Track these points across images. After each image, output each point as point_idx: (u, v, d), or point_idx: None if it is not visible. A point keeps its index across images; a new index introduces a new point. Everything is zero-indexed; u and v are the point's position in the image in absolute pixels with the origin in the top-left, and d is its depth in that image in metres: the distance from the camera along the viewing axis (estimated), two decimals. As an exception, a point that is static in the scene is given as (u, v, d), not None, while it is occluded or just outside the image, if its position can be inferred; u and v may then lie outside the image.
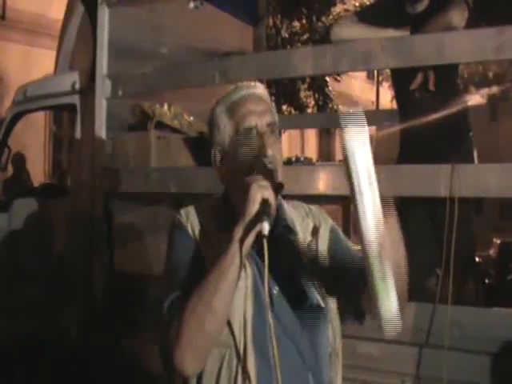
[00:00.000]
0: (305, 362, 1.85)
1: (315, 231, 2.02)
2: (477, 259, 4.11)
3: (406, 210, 3.91)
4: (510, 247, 3.67)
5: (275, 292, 1.84)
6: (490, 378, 2.91)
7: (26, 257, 5.31)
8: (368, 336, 3.16)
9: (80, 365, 4.59)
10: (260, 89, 2.00)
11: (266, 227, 1.66)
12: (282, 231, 1.95)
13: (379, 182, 3.24)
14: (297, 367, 1.83)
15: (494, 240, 4.23)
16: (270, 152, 1.84)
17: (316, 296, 1.91)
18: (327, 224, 2.08)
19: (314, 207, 2.13)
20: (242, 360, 1.79)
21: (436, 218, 3.51)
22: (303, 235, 2.00)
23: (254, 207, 1.68)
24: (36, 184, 6.94)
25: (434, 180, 3.14)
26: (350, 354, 3.21)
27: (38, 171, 12.10)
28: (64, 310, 4.92)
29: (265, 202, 1.68)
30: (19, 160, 8.51)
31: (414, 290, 3.72)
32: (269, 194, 1.70)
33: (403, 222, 4.01)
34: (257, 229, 1.68)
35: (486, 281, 4.03)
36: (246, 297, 1.80)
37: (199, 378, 1.83)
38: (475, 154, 3.87)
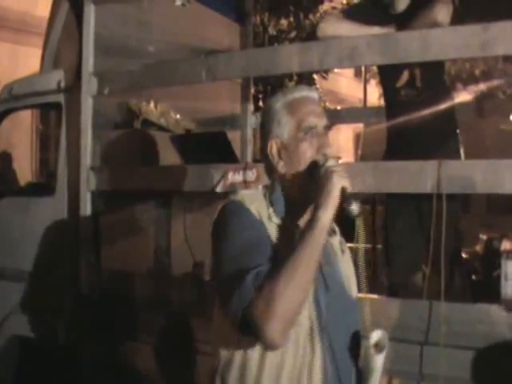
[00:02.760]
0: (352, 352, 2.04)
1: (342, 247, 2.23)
2: (463, 255, 4.12)
3: (392, 206, 3.95)
4: (497, 243, 3.67)
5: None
6: (477, 374, 2.91)
7: (12, 256, 5.28)
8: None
9: (68, 365, 4.58)
10: (317, 93, 2.18)
11: (354, 209, 1.88)
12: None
13: (366, 177, 3.25)
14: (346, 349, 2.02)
15: (481, 236, 4.24)
16: (328, 151, 2.03)
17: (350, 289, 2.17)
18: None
19: None
20: (309, 340, 1.92)
21: (423, 213, 3.52)
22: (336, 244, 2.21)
23: (337, 193, 1.87)
24: (23, 183, 6.90)
25: (420, 176, 3.14)
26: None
27: (25, 170, 12.04)
28: (51, 310, 4.89)
29: (344, 190, 1.88)
30: (6, 159, 8.48)
31: (401, 286, 3.77)
32: (347, 182, 1.90)
33: (390, 218, 4.05)
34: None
35: (473, 277, 4.04)
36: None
37: (262, 357, 1.92)
38: (462, 151, 3.89)
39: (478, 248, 4.25)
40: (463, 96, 5.43)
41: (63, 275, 4.82)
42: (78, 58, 4.73)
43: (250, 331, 1.78)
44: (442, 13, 3.57)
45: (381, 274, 4.49)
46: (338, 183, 1.88)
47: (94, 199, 4.43)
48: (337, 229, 2.17)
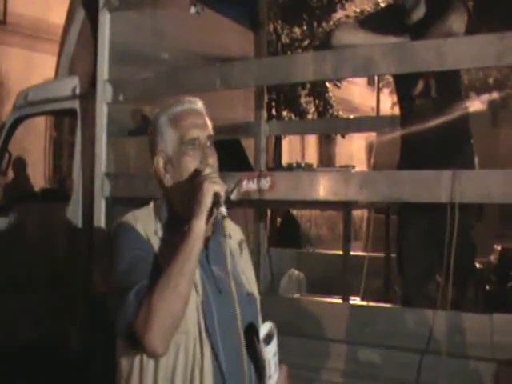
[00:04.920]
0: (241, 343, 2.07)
1: (241, 247, 2.31)
2: (477, 265, 4.10)
3: (406, 215, 3.93)
4: (510, 253, 3.66)
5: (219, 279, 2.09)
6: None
7: (26, 262, 5.30)
8: (369, 342, 3.17)
9: (81, 371, 4.58)
10: (200, 104, 2.23)
11: (223, 211, 1.99)
12: (220, 238, 2.16)
13: (380, 187, 3.25)
14: (237, 348, 2.06)
15: (495, 246, 4.23)
16: (210, 161, 2.11)
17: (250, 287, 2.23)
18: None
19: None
20: (199, 345, 1.98)
21: (437, 223, 3.51)
22: (234, 245, 2.27)
23: (208, 200, 1.97)
24: (36, 189, 6.94)
25: (434, 186, 3.13)
26: (350, 360, 3.23)
27: (39, 176, 12.09)
28: (65, 316, 4.90)
29: (217, 195, 1.98)
30: (19, 165, 8.50)
31: (414, 297, 3.75)
32: (219, 187, 1.99)
33: (404, 228, 4.03)
34: (211, 218, 2.01)
35: (487, 287, 4.02)
36: (195, 283, 2.00)
37: (156, 365, 1.98)
38: (476, 161, 3.87)
39: (492, 258, 4.23)
40: (478, 105, 5.41)
41: (77, 282, 4.83)
42: (93, 65, 4.74)
43: (136, 343, 1.89)
44: (457, 22, 3.57)
45: (394, 284, 4.48)
46: (209, 189, 1.96)
47: (109, 206, 4.44)
48: (233, 232, 2.21)
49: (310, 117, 14.95)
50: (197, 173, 2.07)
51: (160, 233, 2.08)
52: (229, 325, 2.03)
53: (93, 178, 4.49)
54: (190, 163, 2.09)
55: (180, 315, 1.91)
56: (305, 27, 14.98)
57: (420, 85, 3.86)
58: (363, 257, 4.51)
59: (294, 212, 12.11)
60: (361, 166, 18.27)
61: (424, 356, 3.03)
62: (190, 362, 1.97)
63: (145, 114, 4.74)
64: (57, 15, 7.67)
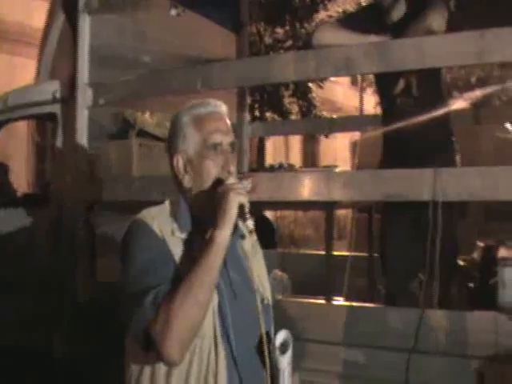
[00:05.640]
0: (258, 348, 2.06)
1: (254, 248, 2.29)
2: (461, 263, 4.11)
3: (389, 214, 3.94)
4: (494, 250, 3.66)
5: (236, 284, 2.08)
6: (476, 382, 2.90)
7: (9, 268, 5.26)
8: (353, 342, 3.16)
9: (67, 377, 4.55)
10: (224, 108, 2.19)
11: (250, 224, 1.98)
12: (236, 240, 2.13)
13: (362, 186, 3.25)
14: (252, 355, 2.06)
15: (478, 243, 4.23)
16: (232, 168, 2.09)
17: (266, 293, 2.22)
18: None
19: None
20: (214, 349, 1.96)
21: (420, 221, 3.51)
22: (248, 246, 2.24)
23: (234, 211, 1.94)
24: (19, 194, 6.88)
25: (416, 184, 3.14)
26: (335, 360, 3.22)
27: (22, 181, 12.02)
28: (49, 321, 4.87)
29: (242, 206, 1.96)
30: (2, 170, 8.43)
31: (398, 295, 3.76)
32: (244, 198, 1.97)
33: (387, 227, 4.04)
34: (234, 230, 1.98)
35: (470, 284, 4.03)
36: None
37: (169, 369, 1.96)
38: (458, 158, 3.88)
39: (475, 256, 4.23)
40: (459, 104, 5.42)
41: (59, 286, 4.80)
42: (73, 68, 4.71)
43: (152, 348, 1.86)
44: (437, 20, 3.58)
45: (378, 283, 4.48)
46: (235, 200, 1.94)
47: (90, 210, 4.41)
48: (248, 232, 2.16)
49: (293, 117, 14.97)
50: (219, 181, 2.04)
51: (177, 233, 2.04)
52: (243, 331, 2.03)
53: (74, 182, 4.47)
54: (212, 168, 2.07)
55: (199, 324, 1.89)
56: (287, 28, 15.00)
57: (401, 84, 3.86)
58: (347, 256, 4.52)
59: (271, 213, 12.04)
60: (345, 165, 18.32)
61: (411, 355, 3.02)
62: (204, 366, 1.96)
63: (126, 117, 4.71)
64: (39, 20, 7.60)
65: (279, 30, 15.04)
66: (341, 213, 8.80)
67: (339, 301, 4.20)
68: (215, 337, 1.96)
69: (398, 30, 3.72)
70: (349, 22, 4.03)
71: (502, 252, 3.52)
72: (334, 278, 4.10)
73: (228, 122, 2.17)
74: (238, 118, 5.89)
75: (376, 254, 4.63)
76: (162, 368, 1.96)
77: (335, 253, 4.41)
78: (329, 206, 4.08)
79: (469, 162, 3.64)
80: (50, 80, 5.34)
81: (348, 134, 17.59)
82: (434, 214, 3.10)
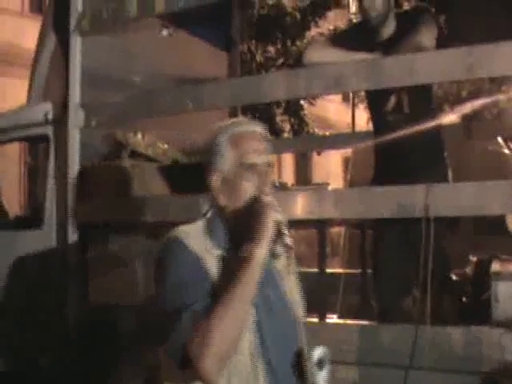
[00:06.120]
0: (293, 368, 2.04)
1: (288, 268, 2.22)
2: (453, 277, 4.11)
3: (381, 230, 3.94)
4: (487, 265, 3.67)
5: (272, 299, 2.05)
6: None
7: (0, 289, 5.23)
8: (346, 360, 3.15)
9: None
10: (261, 128, 2.15)
11: (289, 242, 1.96)
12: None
13: (354, 204, 3.25)
14: (289, 371, 2.03)
15: (471, 258, 4.24)
16: (267, 189, 2.05)
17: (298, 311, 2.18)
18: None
19: None
20: (253, 367, 1.94)
21: (412, 237, 3.52)
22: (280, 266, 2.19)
23: (270, 229, 1.93)
24: (11, 216, 6.86)
25: (408, 200, 3.15)
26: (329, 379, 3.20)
27: (13, 203, 11.99)
28: (39, 345, 4.84)
29: (279, 224, 1.94)
30: (-6, 191, 8.42)
31: (391, 311, 3.75)
32: (281, 216, 1.96)
33: (379, 243, 4.04)
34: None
35: (464, 299, 4.03)
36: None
37: None
38: (450, 174, 3.89)
39: (468, 270, 4.23)
40: (451, 118, 5.45)
41: (50, 308, 4.78)
42: (65, 89, 4.72)
43: (188, 367, 1.83)
44: (427, 37, 3.60)
45: (371, 299, 4.47)
46: (271, 218, 1.93)
47: (82, 232, 4.40)
48: (285, 249, 2.10)
49: (285, 135, 14.98)
50: (255, 200, 2.01)
51: (213, 250, 2.01)
52: (280, 347, 2.00)
53: (66, 204, 4.46)
54: (247, 188, 2.04)
55: (237, 341, 1.88)
56: (279, 46, 15.05)
57: (392, 100, 3.87)
58: (340, 273, 4.51)
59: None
60: (338, 181, 18.32)
61: (401, 372, 3.02)
62: (243, 383, 1.93)
63: (117, 138, 4.71)
64: (29, 40, 7.64)
65: (271, 48, 15.09)
66: (334, 230, 8.78)
67: (332, 318, 4.18)
68: (252, 354, 1.94)
69: (389, 46, 3.73)
70: (339, 39, 4.05)
71: (495, 266, 3.52)
72: (327, 296, 4.08)
73: (265, 142, 2.14)
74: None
75: (369, 271, 4.63)
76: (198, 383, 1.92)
77: (328, 270, 4.40)
78: (321, 224, 4.08)
79: (461, 177, 3.65)
80: (42, 101, 5.34)
81: (340, 150, 17.63)
82: (426, 230, 3.10)
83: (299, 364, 2.03)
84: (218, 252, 2.02)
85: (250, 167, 2.05)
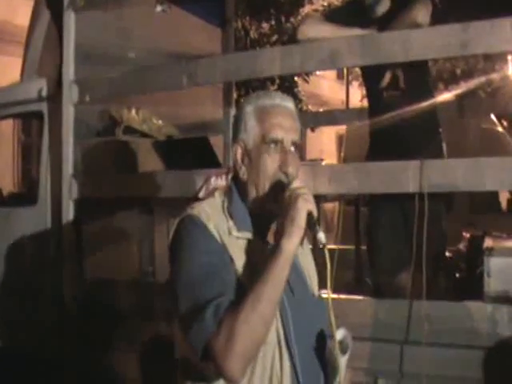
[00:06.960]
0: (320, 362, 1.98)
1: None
2: (447, 253, 4.14)
3: (376, 206, 3.95)
4: (480, 241, 3.70)
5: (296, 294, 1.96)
6: (463, 371, 2.93)
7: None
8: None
9: (55, 377, 4.54)
10: (291, 104, 2.04)
11: (322, 237, 1.79)
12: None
13: (348, 179, 3.25)
14: (312, 356, 1.96)
15: (464, 234, 4.27)
16: (290, 170, 1.93)
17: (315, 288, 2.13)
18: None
19: None
20: (278, 356, 1.85)
21: (406, 213, 3.54)
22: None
23: (303, 220, 1.78)
24: (5, 193, 6.85)
25: (403, 176, 3.16)
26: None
27: (7, 180, 11.97)
28: (35, 321, 4.86)
29: (310, 215, 1.80)
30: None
31: (386, 287, 3.77)
32: (313, 206, 1.81)
33: (374, 219, 4.06)
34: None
35: (457, 275, 4.06)
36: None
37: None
38: (445, 150, 3.90)
39: (462, 246, 4.27)
40: (445, 96, 5.45)
41: (47, 285, 4.79)
42: (59, 66, 4.70)
43: (211, 361, 1.73)
44: (422, 13, 3.59)
45: (365, 275, 4.50)
46: (304, 208, 1.79)
47: (77, 208, 4.40)
48: (319, 244, 1.98)
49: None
50: (279, 183, 1.91)
51: (234, 232, 1.91)
52: (303, 330, 1.91)
53: (60, 181, 4.46)
54: (268, 165, 1.93)
55: (263, 340, 1.77)
56: (273, 22, 14.99)
57: (387, 76, 3.87)
58: (334, 249, 4.52)
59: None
60: (332, 158, 18.32)
61: (395, 346, 3.05)
62: (267, 374, 1.86)
63: (112, 114, 4.71)
64: (22, 17, 7.58)
65: (265, 25, 15.02)
66: (328, 206, 8.79)
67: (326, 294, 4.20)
68: (279, 342, 1.86)
69: (383, 23, 3.73)
70: (334, 15, 4.03)
71: (488, 242, 3.55)
72: (320, 272, 4.10)
73: (294, 118, 2.01)
74: (225, 113, 5.90)
75: (363, 247, 4.65)
76: (220, 381, 1.84)
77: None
78: (316, 200, 4.08)
79: (455, 153, 3.66)
80: (36, 78, 5.32)
81: (334, 127, 17.62)
82: (420, 206, 3.12)
83: (321, 347, 1.96)
84: (240, 235, 1.92)
85: (274, 142, 1.94)
